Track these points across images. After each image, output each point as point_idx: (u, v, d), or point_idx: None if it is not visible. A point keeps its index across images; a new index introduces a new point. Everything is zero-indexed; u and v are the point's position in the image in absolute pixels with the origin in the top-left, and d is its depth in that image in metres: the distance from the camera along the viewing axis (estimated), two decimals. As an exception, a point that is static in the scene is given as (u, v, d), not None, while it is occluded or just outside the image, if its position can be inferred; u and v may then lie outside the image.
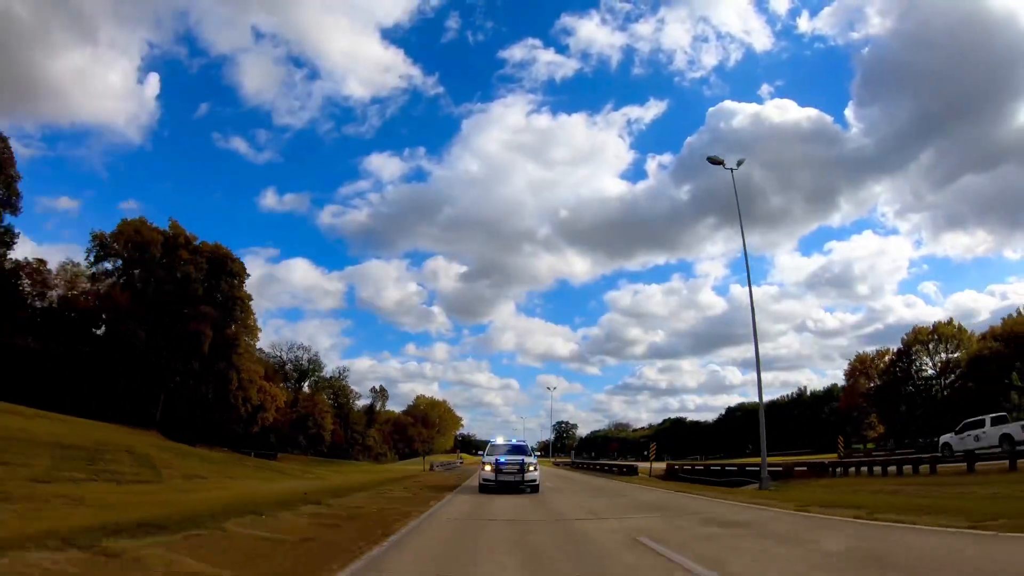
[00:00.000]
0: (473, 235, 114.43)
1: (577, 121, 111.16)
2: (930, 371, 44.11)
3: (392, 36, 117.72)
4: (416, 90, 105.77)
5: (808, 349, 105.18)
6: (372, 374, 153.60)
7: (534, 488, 13.08)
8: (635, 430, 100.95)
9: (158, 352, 24.87)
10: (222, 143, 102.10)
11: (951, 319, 44.98)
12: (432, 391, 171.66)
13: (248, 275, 28.00)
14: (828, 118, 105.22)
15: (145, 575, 3.88)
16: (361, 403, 62.72)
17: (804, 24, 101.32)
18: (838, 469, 15.51)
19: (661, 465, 27.42)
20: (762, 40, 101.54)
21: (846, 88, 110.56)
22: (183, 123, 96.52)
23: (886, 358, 45.94)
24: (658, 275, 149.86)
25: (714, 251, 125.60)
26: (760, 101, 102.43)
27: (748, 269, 17.27)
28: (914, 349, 45.08)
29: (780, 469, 16.33)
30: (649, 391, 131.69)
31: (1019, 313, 43.54)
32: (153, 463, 15.38)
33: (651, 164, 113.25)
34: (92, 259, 26.02)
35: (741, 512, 8.53)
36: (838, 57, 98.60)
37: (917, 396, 44.06)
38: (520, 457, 13.62)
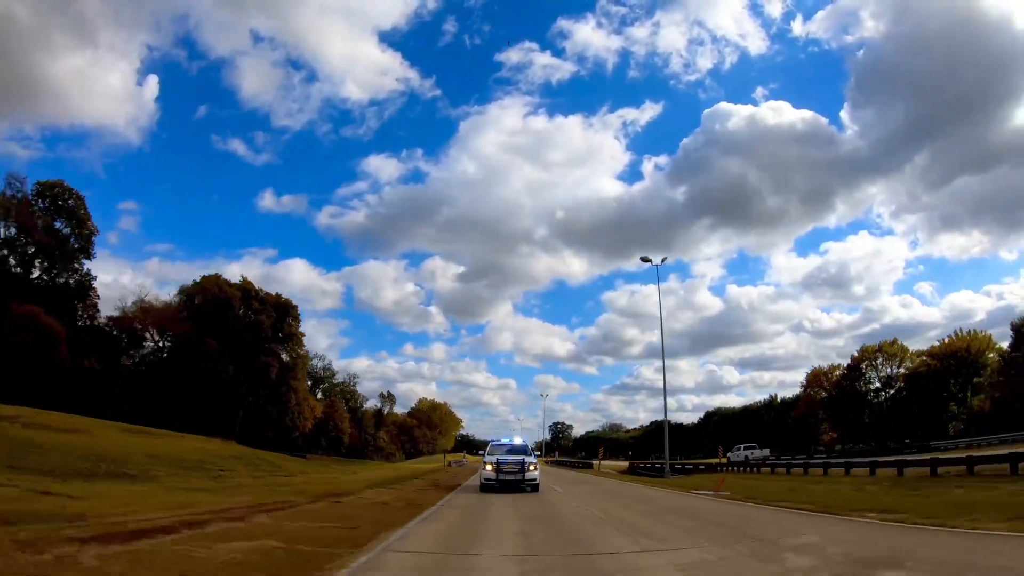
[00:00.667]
0: (470, 236, 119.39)
1: (573, 123, 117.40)
2: (876, 384, 53.54)
3: (389, 39, 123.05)
4: (413, 92, 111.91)
5: (805, 349, 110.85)
6: (370, 374, 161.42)
7: (534, 487, 14.30)
8: (627, 431, 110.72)
9: (239, 381, 33.87)
10: (221, 145, 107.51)
11: (895, 340, 54.33)
12: (430, 391, 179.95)
13: (301, 317, 37.91)
14: (823, 120, 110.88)
15: (401, 493, 12.81)
16: (367, 406, 71.98)
17: (798, 28, 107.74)
18: (725, 468, 24.89)
19: (624, 463, 37.19)
20: (757, 43, 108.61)
21: (841, 91, 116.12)
22: (182, 125, 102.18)
23: (837, 372, 55.37)
24: (655, 275, 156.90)
25: (710, 252, 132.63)
26: (755, 103, 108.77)
27: (659, 297, 26.44)
28: (863, 365, 54.44)
29: (690, 467, 25.78)
30: (647, 391, 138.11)
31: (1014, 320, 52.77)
32: (273, 463, 24.49)
33: (647, 165, 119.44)
34: (184, 312, 35.26)
35: (626, 487, 17.63)
36: (832, 60, 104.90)
37: (865, 406, 53.54)
38: (520, 457, 14.94)
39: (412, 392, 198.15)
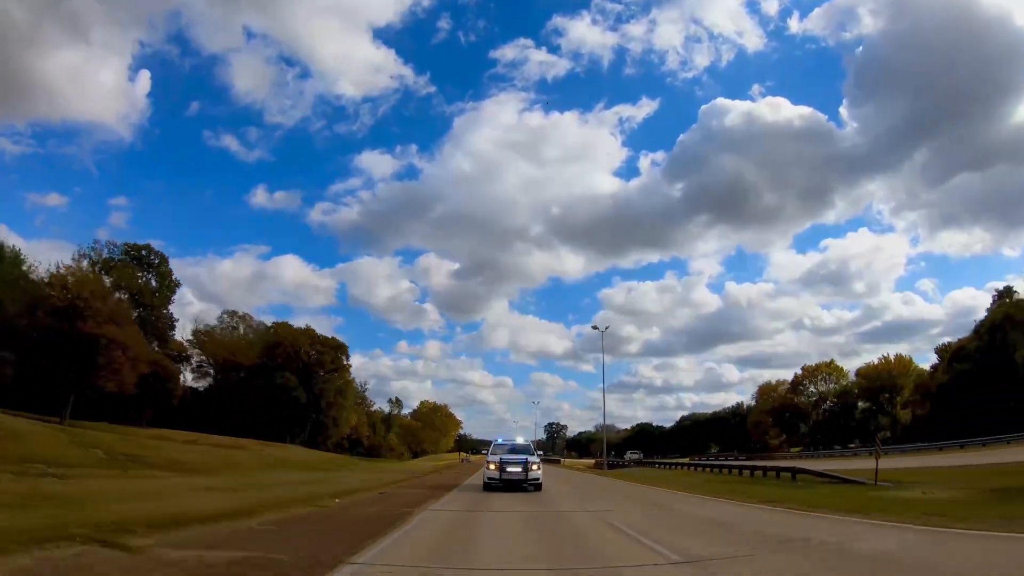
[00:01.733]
0: (465, 232, 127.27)
1: (569, 119, 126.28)
2: (814, 398, 70.27)
3: (383, 36, 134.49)
4: (408, 89, 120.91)
5: (806, 347, 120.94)
6: (364, 371, 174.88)
7: (537, 486, 15.93)
8: (617, 432, 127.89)
9: (308, 402, 49.94)
10: (213, 141, 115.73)
11: (832, 360, 71.04)
12: (425, 389, 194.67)
13: (348, 350, 55.80)
14: (822, 116, 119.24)
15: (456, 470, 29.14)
16: (373, 409, 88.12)
17: (795, 25, 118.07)
18: (660, 464, 41.59)
19: (591, 460, 55.51)
20: (754, 41, 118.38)
21: (839, 88, 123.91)
22: (174, 121, 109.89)
23: (782, 388, 72.14)
24: (652, 272, 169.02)
25: (707, 248, 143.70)
26: (753, 100, 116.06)
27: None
28: (805, 381, 71.13)
29: (632, 464, 42.65)
30: (645, 389, 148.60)
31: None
32: (356, 463, 40.95)
33: (644, 162, 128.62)
34: (261, 353, 51.81)
35: (564, 471, 34.20)
36: (830, 57, 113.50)
37: (805, 417, 70.35)
38: (523, 456, 16.54)
39: (406, 390, 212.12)
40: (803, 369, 70.98)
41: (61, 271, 33.45)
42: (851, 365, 71.78)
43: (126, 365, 32.24)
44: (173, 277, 54.62)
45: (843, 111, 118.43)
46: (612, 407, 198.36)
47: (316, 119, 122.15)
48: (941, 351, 57.44)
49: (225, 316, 64.64)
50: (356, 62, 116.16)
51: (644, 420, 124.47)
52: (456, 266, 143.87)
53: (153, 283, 53.70)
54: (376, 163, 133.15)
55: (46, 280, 33.56)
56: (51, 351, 30.75)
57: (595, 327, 42.35)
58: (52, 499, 9.02)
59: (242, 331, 64.33)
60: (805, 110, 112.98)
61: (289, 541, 6.91)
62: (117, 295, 39.27)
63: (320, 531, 8.14)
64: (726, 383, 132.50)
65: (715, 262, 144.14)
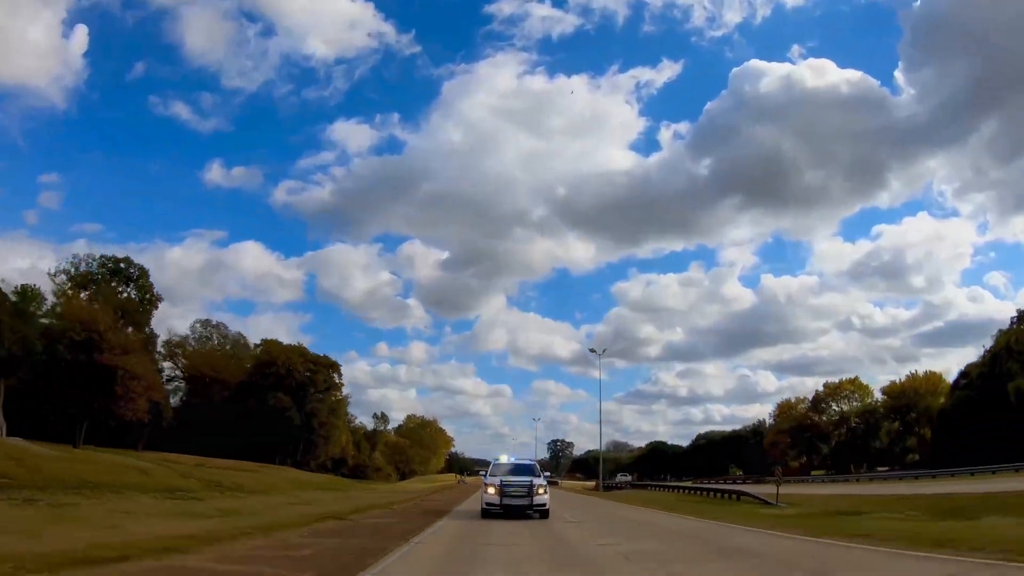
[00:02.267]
0: (456, 216, 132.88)
1: (578, 84, 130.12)
2: (836, 418, 79.60)
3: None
4: (389, 49, 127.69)
5: (855, 350, 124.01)
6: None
7: (543, 513, 17.31)
8: (630, 451, 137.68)
9: (301, 422, 59.14)
10: (161, 109, 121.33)
11: (855, 377, 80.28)
12: (408, 400, 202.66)
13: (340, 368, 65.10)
14: (873, 82, 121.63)
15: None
16: (356, 424, 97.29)
17: None
18: (651, 486, 51.24)
19: (591, 483, 65.96)
20: None
21: (893, 48, 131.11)
22: (115, 85, 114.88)
23: (801, 406, 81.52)
24: (674, 263, 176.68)
25: (739, 235, 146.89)
26: (792, 62, 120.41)
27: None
28: (828, 398, 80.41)
29: (624, 486, 52.45)
30: (667, 399, 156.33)
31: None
32: (353, 484, 50.38)
33: (665, 134, 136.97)
34: (252, 371, 60.86)
35: (569, 494, 43.72)
36: (883, 13, 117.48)
37: (825, 437, 79.74)
38: (527, 478, 17.70)
39: (386, 400, 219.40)
40: (824, 386, 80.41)
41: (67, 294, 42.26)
42: (907, 371, 79.33)
43: (141, 394, 41.17)
44: (154, 291, 63.41)
45: (898, 75, 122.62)
46: (629, 420, 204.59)
47: (281, 83, 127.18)
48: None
49: (198, 325, 73.70)
50: (328, 17, 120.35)
51: (665, 434, 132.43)
52: (445, 255, 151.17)
53: (134, 297, 62.53)
54: (351, 134, 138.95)
55: (57, 309, 42.44)
56: (73, 382, 39.62)
57: (592, 350, 50.58)
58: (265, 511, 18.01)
59: (216, 341, 73.32)
60: (854, 74, 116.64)
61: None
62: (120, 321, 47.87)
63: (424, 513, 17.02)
64: (761, 393, 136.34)
65: (748, 251, 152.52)
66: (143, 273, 63.52)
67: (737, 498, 28.25)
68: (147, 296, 63.79)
